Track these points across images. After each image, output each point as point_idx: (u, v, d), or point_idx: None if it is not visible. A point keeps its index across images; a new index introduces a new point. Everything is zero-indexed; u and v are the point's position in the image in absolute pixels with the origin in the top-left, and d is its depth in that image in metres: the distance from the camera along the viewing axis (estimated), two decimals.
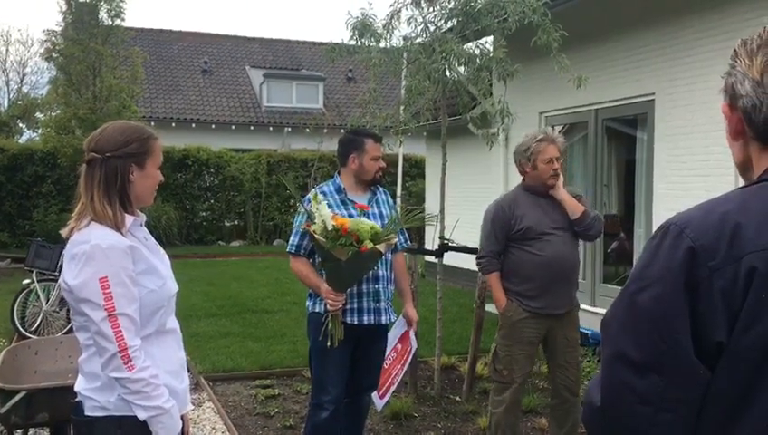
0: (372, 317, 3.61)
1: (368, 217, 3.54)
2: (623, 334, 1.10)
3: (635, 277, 1.12)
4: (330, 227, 3.25)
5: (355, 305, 3.56)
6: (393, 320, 3.79)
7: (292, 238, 3.65)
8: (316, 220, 3.30)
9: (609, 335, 1.13)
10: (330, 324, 3.46)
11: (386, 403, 4.54)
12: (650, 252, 1.11)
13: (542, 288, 3.89)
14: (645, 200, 6.90)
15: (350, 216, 3.49)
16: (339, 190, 3.68)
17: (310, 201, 3.56)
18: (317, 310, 3.61)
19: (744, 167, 1.21)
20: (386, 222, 3.59)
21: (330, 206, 3.50)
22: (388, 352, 4.15)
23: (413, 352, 4.33)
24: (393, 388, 4.37)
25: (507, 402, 3.98)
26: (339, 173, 3.78)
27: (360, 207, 3.58)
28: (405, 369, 4.39)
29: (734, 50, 1.18)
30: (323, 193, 3.61)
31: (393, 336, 4.25)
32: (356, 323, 3.56)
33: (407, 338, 4.26)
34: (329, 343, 3.44)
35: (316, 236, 3.29)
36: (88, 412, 2.05)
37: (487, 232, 4.05)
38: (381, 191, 3.82)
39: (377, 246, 3.29)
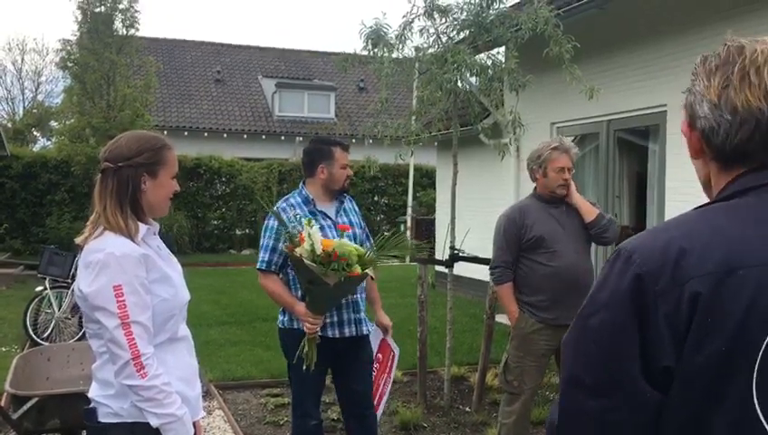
0: (354, 328, 3.53)
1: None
2: (576, 357, 1.11)
3: (588, 300, 1.12)
4: (319, 252, 3.12)
5: (335, 318, 3.47)
6: (372, 329, 3.71)
7: (261, 255, 3.51)
8: (305, 244, 3.15)
9: (566, 357, 1.13)
10: (306, 348, 3.35)
11: (380, 416, 4.45)
12: (603, 275, 1.11)
13: (553, 299, 3.86)
14: (657, 212, 6.87)
15: (321, 227, 3.35)
16: (306, 202, 3.58)
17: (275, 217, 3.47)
18: (295, 326, 3.49)
19: (705, 184, 1.21)
20: (357, 230, 3.56)
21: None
22: None
23: (396, 357, 4.21)
24: (385, 398, 4.27)
25: (517, 414, 3.95)
26: (304, 184, 3.67)
27: (342, 227, 3.45)
28: (392, 377, 4.28)
29: (695, 66, 1.17)
30: (291, 205, 3.53)
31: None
32: (337, 335, 3.48)
33: (386, 346, 4.11)
34: (304, 367, 3.34)
35: (305, 260, 3.14)
36: (101, 419, 2.07)
37: (499, 242, 4.02)
38: (348, 199, 3.75)
39: (367, 271, 3.23)
